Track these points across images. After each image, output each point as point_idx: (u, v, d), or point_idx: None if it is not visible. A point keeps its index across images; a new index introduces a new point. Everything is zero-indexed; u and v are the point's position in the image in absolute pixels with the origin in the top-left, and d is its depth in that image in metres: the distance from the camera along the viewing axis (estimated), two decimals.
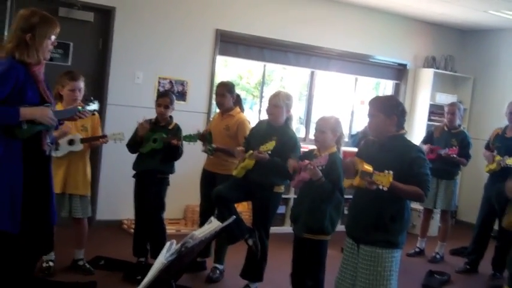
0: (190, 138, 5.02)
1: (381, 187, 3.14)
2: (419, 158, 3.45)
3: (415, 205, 7.07)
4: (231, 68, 8.11)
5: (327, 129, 4.08)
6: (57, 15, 5.95)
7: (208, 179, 5.30)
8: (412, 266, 6.34)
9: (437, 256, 6.69)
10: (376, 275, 3.40)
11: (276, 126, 4.70)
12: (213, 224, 2.43)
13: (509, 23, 7.96)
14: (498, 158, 5.94)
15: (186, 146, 5.12)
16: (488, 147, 6.32)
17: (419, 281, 5.75)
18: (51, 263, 4.78)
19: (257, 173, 4.60)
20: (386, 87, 8.87)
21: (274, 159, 4.48)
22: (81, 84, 4.68)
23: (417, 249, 6.86)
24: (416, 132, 8.50)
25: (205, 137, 5.20)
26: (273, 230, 4.98)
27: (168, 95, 5.22)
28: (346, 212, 4.54)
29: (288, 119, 4.76)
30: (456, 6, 7.32)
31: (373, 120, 3.54)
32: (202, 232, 2.34)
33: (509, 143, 6.01)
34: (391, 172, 3.14)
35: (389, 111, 3.49)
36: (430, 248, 6.82)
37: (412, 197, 3.46)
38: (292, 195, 6.89)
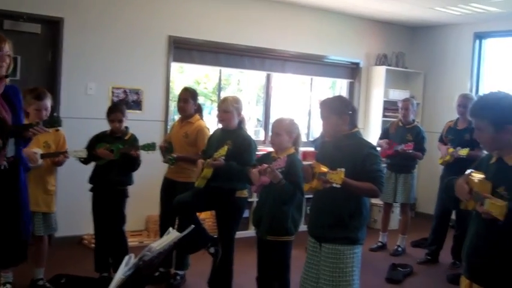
0: (149, 147, 4.97)
1: (334, 185, 3.20)
2: (371, 154, 3.51)
3: (375, 200, 7.15)
4: (187, 74, 8.08)
5: (282, 131, 4.11)
6: (2, 28, 5.85)
7: (169, 188, 5.27)
8: (375, 260, 6.44)
9: (399, 249, 6.81)
10: (339, 272, 3.45)
11: (229, 131, 4.72)
12: (172, 235, 2.41)
13: (454, 18, 8.16)
14: (451, 149, 6.08)
15: (146, 155, 5.08)
16: (441, 139, 6.47)
17: (383, 275, 5.85)
18: (8, 286, 4.62)
19: (217, 180, 4.60)
20: (342, 86, 8.97)
21: (231, 164, 4.49)
22: (48, 103, 4.59)
23: (379, 244, 6.96)
24: (372, 128, 8.63)
25: (165, 148, 5.18)
26: (238, 234, 4.98)
27: (118, 108, 5.11)
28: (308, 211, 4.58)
29: (241, 122, 4.78)
30: (403, 4, 7.46)
31: (327, 121, 3.60)
32: (160, 244, 2.32)
33: (462, 135, 6.17)
34: (342, 169, 3.20)
35: (341, 111, 3.56)
36: (391, 242, 6.93)
37: (366, 193, 3.51)
38: (255, 199, 6.89)
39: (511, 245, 2.62)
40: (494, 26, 8.25)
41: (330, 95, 6.81)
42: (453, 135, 6.29)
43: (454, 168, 5.86)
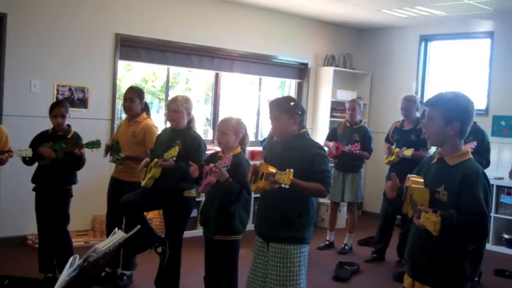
0: (93, 144, 4.88)
1: (283, 185, 3.21)
2: (319, 154, 3.54)
3: (323, 199, 7.25)
4: (135, 72, 7.99)
5: (229, 130, 4.11)
6: None
7: (116, 187, 5.20)
8: (323, 258, 6.51)
9: (346, 247, 6.90)
10: (286, 271, 3.47)
11: (179, 131, 4.70)
12: (118, 235, 2.38)
13: (401, 21, 8.32)
14: (397, 150, 6.21)
15: (93, 154, 4.99)
16: (388, 139, 6.59)
17: (330, 273, 5.91)
18: None
19: (165, 180, 4.58)
20: (291, 86, 9.03)
21: (180, 164, 4.46)
22: None
23: (327, 242, 7.04)
24: (320, 128, 8.72)
25: (112, 147, 5.10)
26: (186, 233, 4.96)
27: (62, 103, 5.05)
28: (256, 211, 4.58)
29: (190, 122, 4.76)
30: (350, 5, 7.56)
31: (277, 122, 3.61)
32: (105, 244, 2.28)
33: (407, 135, 6.30)
34: (291, 170, 3.21)
35: (291, 111, 3.57)
36: (339, 240, 7.01)
37: (313, 193, 3.54)
38: (203, 198, 6.86)
39: (450, 246, 2.70)
40: (439, 29, 8.47)
41: (279, 95, 6.86)
42: (399, 136, 6.42)
43: (400, 168, 6.00)
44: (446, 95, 2.86)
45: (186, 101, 4.73)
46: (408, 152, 6.03)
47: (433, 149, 6.41)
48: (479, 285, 5.75)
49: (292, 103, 3.63)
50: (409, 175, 2.89)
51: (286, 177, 3.20)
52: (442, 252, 2.72)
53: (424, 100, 8.42)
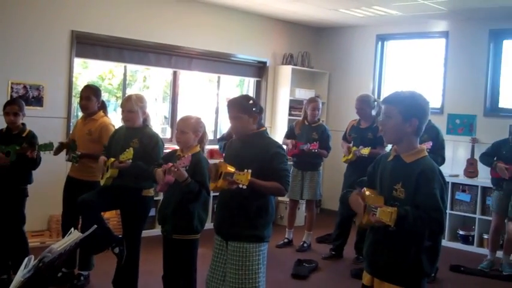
0: (46, 147, 4.80)
1: (240, 186, 3.21)
2: (278, 153, 3.55)
3: (282, 197, 7.27)
4: (91, 70, 7.87)
5: (188, 129, 4.08)
6: None
7: (72, 186, 5.13)
8: (282, 256, 6.53)
9: (305, 245, 6.94)
10: (245, 269, 3.48)
11: (135, 129, 4.65)
12: (74, 235, 2.34)
13: (358, 20, 8.41)
14: (354, 148, 6.28)
15: (49, 153, 4.90)
16: (345, 138, 6.66)
17: (289, 271, 5.94)
18: None
19: (123, 179, 4.54)
20: (249, 84, 9.03)
21: (138, 164, 4.43)
22: None
23: (286, 240, 7.07)
24: (279, 127, 8.75)
25: (68, 146, 5.02)
26: (144, 233, 4.92)
27: (15, 101, 4.98)
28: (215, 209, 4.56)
29: (146, 120, 4.72)
30: (309, 5, 7.61)
31: (236, 121, 3.60)
32: (61, 245, 2.24)
33: (364, 134, 6.38)
34: (249, 171, 3.23)
35: (251, 110, 3.58)
36: (297, 238, 7.05)
37: (272, 192, 3.55)
38: (161, 197, 6.81)
39: (407, 242, 2.74)
40: (395, 28, 8.59)
41: (238, 93, 6.86)
42: (356, 134, 6.50)
43: (357, 166, 6.09)
44: (403, 93, 2.91)
45: (140, 99, 4.69)
46: (365, 151, 6.11)
47: (389, 147, 6.53)
48: (436, 280, 5.87)
49: (250, 102, 3.63)
50: (364, 188, 2.94)
51: (244, 178, 3.22)
52: (400, 249, 2.76)
53: (381, 99, 8.56)
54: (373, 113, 6.43)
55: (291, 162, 7.00)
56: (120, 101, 7.69)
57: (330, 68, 9.35)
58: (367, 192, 2.90)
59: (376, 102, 6.49)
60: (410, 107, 2.83)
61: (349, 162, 6.45)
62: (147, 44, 7.33)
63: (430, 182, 2.75)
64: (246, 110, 3.57)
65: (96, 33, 6.84)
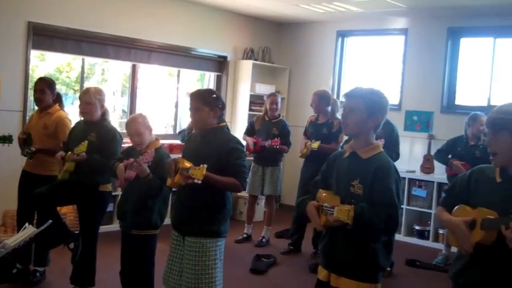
0: (5, 139, 4.68)
1: (196, 181, 3.21)
2: (236, 149, 3.55)
3: (242, 192, 7.27)
4: (48, 62, 7.72)
5: (142, 129, 4.06)
6: None
7: (28, 181, 5.04)
8: (240, 251, 6.55)
9: (264, 240, 6.97)
10: (202, 264, 3.47)
11: (92, 123, 4.60)
12: (28, 230, 2.30)
13: (318, 16, 8.45)
14: (309, 143, 6.36)
15: (3, 146, 4.77)
16: (305, 133, 6.71)
17: (248, 266, 5.95)
18: None
19: (80, 174, 4.48)
20: (210, 78, 9.00)
21: (94, 158, 4.38)
22: None
23: (244, 235, 7.08)
24: (239, 122, 8.74)
25: (23, 140, 4.92)
26: (102, 228, 4.87)
27: None
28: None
29: (104, 114, 4.67)
30: (270, 0, 7.61)
31: (198, 113, 3.58)
32: (15, 240, 2.20)
33: (320, 129, 6.46)
34: (205, 166, 3.22)
35: (213, 104, 3.57)
36: (256, 233, 7.07)
37: (228, 188, 3.55)
38: (119, 192, 6.75)
39: (364, 238, 2.78)
40: (355, 25, 8.67)
41: (198, 88, 6.82)
42: (313, 129, 6.57)
43: (312, 160, 6.17)
44: (366, 89, 2.94)
45: (98, 92, 4.64)
46: (314, 145, 6.22)
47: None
48: (392, 275, 5.96)
49: (213, 96, 3.63)
50: (320, 190, 2.95)
51: (199, 173, 3.21)
52: (357, 244, 2.80)
53: (340, 94, 8.65)
54: (329, 109, 6.49)
55: (251, 158, 7.02)
56: (78, 94, 7.58)
57: (290, 64, 9.38)
58: (323, 194, 2.92)
59: (331, 99, 6.55)
60: (376, 104, 2.87)
61: (305, 158, 6.52)
62: (105, 37, 7.21)
63: (386, 178, 2.79)
64: (207, 102, 3.55)
65: (54, 25, 6.70)
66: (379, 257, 2.82)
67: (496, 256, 2.45)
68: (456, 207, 2.64)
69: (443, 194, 2.81)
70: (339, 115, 6.50)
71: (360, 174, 2.83)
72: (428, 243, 7.43)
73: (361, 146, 2.91)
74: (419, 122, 8.02)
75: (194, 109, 3.59)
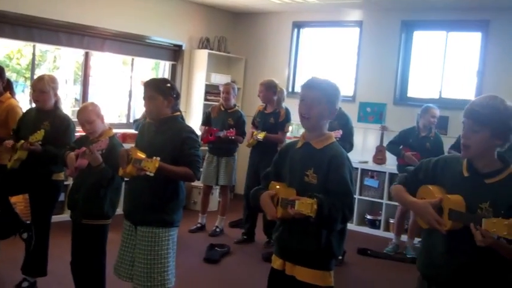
0: None
1: (148, 173, 3.20)
2: (190, 138, 3.54)
3: (196, 182, 7.25)
4: None
5: (93, 117, 4.00)
6: None
7: None
8: (194, 241, 6.54)
9: (217, 229, 6.98)
10: (154, 254, 3.46)
11: (45, 111, 4.51)
12: None
13: (275, 6, 8.47)
14: (255, 133, 6.41)
15: None
16: (253, 123, 6.75)
17: (201, 255, 5.95)
18: None
19: (32, 163, 4.40)
20: (165, 67, 8.91)
21: (48, 149, 4.30)
22: None
23: (198, 225, 7.07)
24: (194, 112, 8.71)
25: None
26: (53, 218, 4.78)
27: None
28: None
29: (57, 102, 4.59)
30: None
31: (151, 102, 3.55)
32: None
33: (267, 118, 6.51)
34: (158, 158, 3.22)
35: (167, 93, 3.55)
36: (210, 223, 7.07)
37: (182, 178, 3.54)
38: (71, 181, 6.64)
39: (320, 227, 2.79)
40: (311, 16, 8.72)
41: (153, 77, 6.75)
42: (260, 119, 6.62)
43: (259, 150, 6.24)
44: (321, 80, 2.94)
45: (53, 80, 4.55)
46: (260, 135, 6.28)
47: (289, 134, 6.70)
48: (343, 263, 6.05)
49: (168, 85, 3.60)
50: (272, 182, 2.96)
51: (152, 165, 3.19)
52: (312, 233, 2.81)
53: (295, 85, 8.71)
54: (275, 98, 6.53)
55: (206, 148, 7.01)
56: (28, 82, 7.42)
57: (246, 54, 9.37)
58: (277, 186, 2.93)
59: (278, 88, 6.58)
60: (333, 95, 2.89)
61: (251, 147, 6.56)
62: (58, 23, 7.05)
63: (341, 167, 2.81)
64: (162, 91, 3.53)
65: (3, 10, 6.51)
66: (334, 245, 2.86)
67: (468, 246, 2.46)
68: (420, 188, 2.68)
69: (402, 175, 2.83)
70: (284, 104, 6.56)
71: (314, 164, 2.85)
72: (380, 233, 7.57)
73: (315, 136, 2.92)
74: (373, 113, 8.13)
75: (148, 98, 3.55)
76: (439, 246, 2.58)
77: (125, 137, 7.32)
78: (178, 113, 3.66)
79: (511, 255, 2.39)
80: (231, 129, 6.63)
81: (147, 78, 3.75)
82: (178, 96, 3.65)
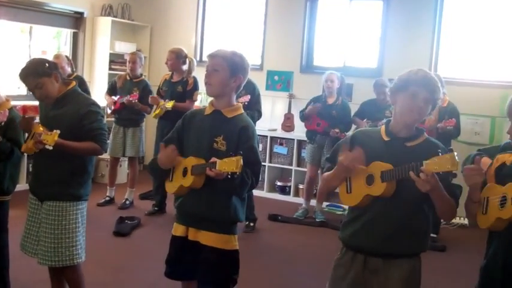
0: None
1: (47, 146, 3.11)
2: (90, 112, 3.43)
3: (103, 155, 7.07)
4: None
5: None
6: None
7: None
8: (103, 214, 6.40)
9: (127, 202, 6.87)
10: (61, 229, 3.37)
11: None
12: None
13: None
14: (162, 102, 6.31)
15: None
16: (158, 92, 6.63)
17: (111, 229, 5.84)
18: None
19: None
20: (67, 36, 8.54)
21: None
22: None
23: (107, 198, 6.93)
24: (98, 81, 8.43)
25: None
26: None
27: None
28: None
29: None
30: None
31: (42, 90, 3.39)
32: None
33: (175, 87, 6.44)
34: (57, 131, 3.12)
35: (49, 72, 3.39)
36: (120, 195, 6.94)
37: (86, 153, 3.45)
38: None
39: (223, 192, 2.90)
40: None
41: (55, 46, 6.43)
42: (167, 87, 6.53)
43: (166, 120, 6.15)
44: (227, 50, 3.00)
45: None
46: (169, 104, 6.20)
47: (197, 103, 6.66)
48: (255, 230, 6.12)
49: (46, 65, 3.42)
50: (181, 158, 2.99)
51: (51, 138, 3.10)
52: (217, 199, 2.93)
53: (203, 54, 8.63)
54: (184, 68, 6.45)
55: (113, 119, 6.84)
56: None
57: (151, 21, 9.14)
58: (185, 160, 2.98)
59: (189, 59, 6.51)
60: (237, 64, 2.95)
61: (159, 117, 6.46)
62: None
63: (251, 138, 2.94)
64: (45, 73, 3.36)
65: None
66: (238, 210, 2.99)
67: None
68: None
69: (327, 164, 2.88)
70: (194, 74, 6.50)
71: (224, 132, 2.93)
72: (290, 198, 7.71)
73: (225, 106, 3.00)
74: (280, 81, 8.20)
75: (35, 87, 3.39)
76: (376, 217, 2.62)
77: (26, 109, 6.97)
78: (73, 84, 3.52)
79: (443, 200, 2.49)
80: (134, 93, 6.50)
81: (48, 48, 3.56)
82: (55, 67, 3.48)
